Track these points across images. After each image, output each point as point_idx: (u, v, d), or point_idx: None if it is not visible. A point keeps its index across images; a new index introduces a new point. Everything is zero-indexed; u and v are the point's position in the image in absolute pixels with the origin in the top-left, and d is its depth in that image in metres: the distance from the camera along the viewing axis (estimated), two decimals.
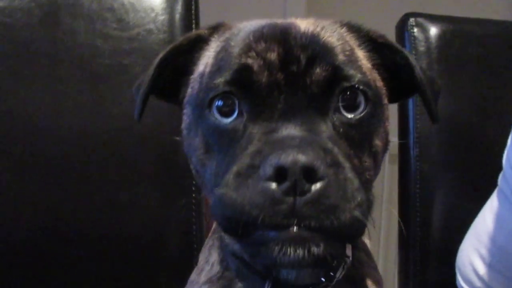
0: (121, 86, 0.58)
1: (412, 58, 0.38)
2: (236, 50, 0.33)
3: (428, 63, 0.86)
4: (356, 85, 0.32)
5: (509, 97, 0.79)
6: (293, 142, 0.29)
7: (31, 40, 0.56)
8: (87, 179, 0.58)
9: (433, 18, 0.88)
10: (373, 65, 0.37)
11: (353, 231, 0.29)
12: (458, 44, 0.87)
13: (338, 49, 0.33)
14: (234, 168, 0.29)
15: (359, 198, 0.28)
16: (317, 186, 0.27)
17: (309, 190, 0.27)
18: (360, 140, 0.33)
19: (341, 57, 0.33)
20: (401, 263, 0.82)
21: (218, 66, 0.34)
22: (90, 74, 0.57)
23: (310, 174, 0.27)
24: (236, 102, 0.32)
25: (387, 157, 1.38)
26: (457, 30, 0.88)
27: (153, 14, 0.61)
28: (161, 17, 0.61)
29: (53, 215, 0.58)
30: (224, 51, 0.34)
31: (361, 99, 0.33)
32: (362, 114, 0.33)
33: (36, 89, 0.55)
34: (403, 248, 0.82)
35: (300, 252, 0.27)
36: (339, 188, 0.28)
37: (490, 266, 0.61)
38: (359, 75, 0.33)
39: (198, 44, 0.38)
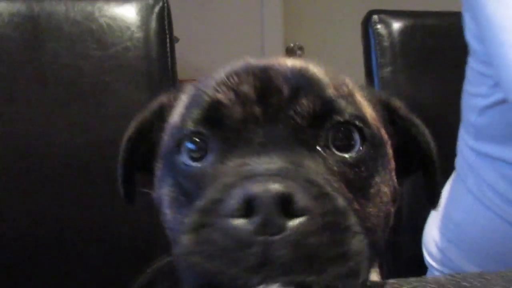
0: (105, 102, 0.64)
1: (429, 136, 0.35)
2: (207, 89, 0.30)
3: (392, 57, 0.92)
4: (350, 120, 0.28)
5: None
6: (267, 172, 0.24)
7: (19, 65, 0.62)
8: (79, 188, 0.64)
9: (395, 14, 0.94)
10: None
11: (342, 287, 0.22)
12: (419, 37, 0.93)
13: (329, 83, 0.30)
14: (194, 211, 0.25)
15: (356, 242, 0.22)
16: (295, 222, 0.21)
17: (285, 227, 0.21)
18: (362, 184, 0.28)
19: (331, 90, 0.29)
20: None
21: (188, 108, 0.31)
22: (76, 93, 0.62)
23: (286, 207, 0.22)
24: (209, 144, 0.29)
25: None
26: (417, 24, 0.94)
27: (129, 32, 0.66)
28: (137, 35, 0.67)
29: (48, 220, 0.64)
30: (196, 92, 0.32)
31: (356, 137, 0.28)
32: (359, 154, 0.28)
33: (29, 110, 0.61)
34: None
35: None
36: (327, 227, 0.22)
37: (448, 240, 0.68)
38: (352, 109, 0.29)
39: (163, 112, 0.36)
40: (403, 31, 0.93)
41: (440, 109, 0.90)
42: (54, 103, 0.62)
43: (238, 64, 0.32)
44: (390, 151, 0.33)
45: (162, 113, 0.36)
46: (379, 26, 0.93)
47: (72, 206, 0.63)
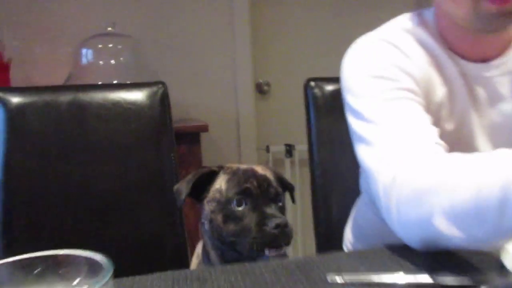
0: (129, 158, 0.99)
1: (289, 181, 0.87)
2: (241, 179, 0.76)
3: (325, 112, 1.28)
4: (280, 193, 0.77)
5: None
6: (276, 214, 0.73)
7: (73, 138, 0.96)
8: (113, 208, 0.98)
9: (328, 80, 1.29)
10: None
11: (290, 242, 0.73)
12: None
13: (274, 181, 0.79)
14: (254, 227, 0.71)
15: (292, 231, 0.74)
16: (288, 227, 0.70)
17: (285, 229, 0.70)
18: (283, 212, 0.79)
19: (276, 185, 0.78)
20: (316, 238, 1.24)
21: (231, 186, 0.75)
22: (110, 154, 0.97)
23: (286, 225, 0.69)
24: (243, 200, 0.74)
25: (297, 161, 1.98)
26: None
27: (143, 112, 1.01)
28: (148, 113, 1.01)
29: (94, 227, 0.98)
30: (233, 179, 0.76)
31: (281, 198, 0.76)
32: (282, 203, 0.77)
33: (79, 167, 0.95)
34: (316, 225, 1.24)
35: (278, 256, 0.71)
36: (290, 229, 0.71)
37: (355, 237, 1.00)
38: (280, 189, 0.78)
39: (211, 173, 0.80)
40: (332, 93, 1.29)
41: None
42: (96, 161, 0.97)
43: (244, 169, 0.80)
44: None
45: (210, 174, 0.80)
46: (315, 90, 1.28)
47: (108, 219, 0.98)
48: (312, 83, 1.30)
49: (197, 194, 0.79)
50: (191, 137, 1.63)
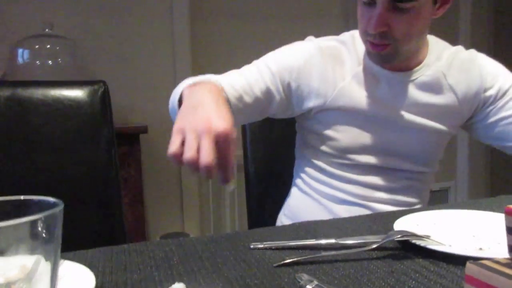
0: (69, 153, 1.02)
1: None
2: None
3: None
4: None
5: None
6: None
7: (12, 133, 0.98)
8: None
9: None
10: None
11: None
12: None
13: None
14: None
15: None
16: None
17: None
18: None
19: None
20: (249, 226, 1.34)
21: None
22: (51, 149, 1.00)
23: None
24: None
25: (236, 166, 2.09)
26: None
27: (83, 110, 1.06)
28: (88, 110, 1.06)
29: None
30: None
31: None
32: None
33: (19, 161, 0.97)
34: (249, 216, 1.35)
35: None
36: None
37: (287, 217, 1.13)
38: None
39: None
40: None
41: (288, 142, 1.40)
42: (34, 155, 0.99)
43: None
44: None
45: None
46: None
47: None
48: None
49: None
50: (131, 138, 1.67)
